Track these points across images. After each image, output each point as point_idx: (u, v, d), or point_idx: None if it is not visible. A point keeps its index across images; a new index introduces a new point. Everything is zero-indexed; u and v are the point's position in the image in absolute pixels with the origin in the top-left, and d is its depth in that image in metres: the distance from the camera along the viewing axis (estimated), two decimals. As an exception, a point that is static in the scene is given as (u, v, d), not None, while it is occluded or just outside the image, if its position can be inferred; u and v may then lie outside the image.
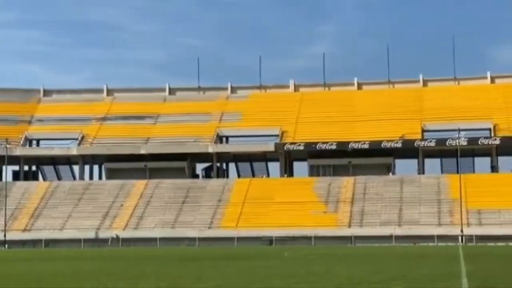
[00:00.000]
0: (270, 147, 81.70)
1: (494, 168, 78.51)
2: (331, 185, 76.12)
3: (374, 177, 76.59)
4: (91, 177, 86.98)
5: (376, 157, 79.84)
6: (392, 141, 78.03)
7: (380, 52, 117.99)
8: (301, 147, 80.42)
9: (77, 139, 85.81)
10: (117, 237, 70.13)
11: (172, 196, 76.75)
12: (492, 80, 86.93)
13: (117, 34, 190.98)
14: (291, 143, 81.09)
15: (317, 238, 66.09)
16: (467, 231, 64.75)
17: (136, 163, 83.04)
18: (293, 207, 71.56)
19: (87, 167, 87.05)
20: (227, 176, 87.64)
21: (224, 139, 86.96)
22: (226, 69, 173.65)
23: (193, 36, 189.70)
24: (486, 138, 77.42)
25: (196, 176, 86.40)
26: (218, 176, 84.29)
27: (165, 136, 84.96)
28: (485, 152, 79.70)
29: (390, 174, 78.68)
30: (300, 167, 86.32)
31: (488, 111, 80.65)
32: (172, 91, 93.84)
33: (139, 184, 79.28)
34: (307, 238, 66.32)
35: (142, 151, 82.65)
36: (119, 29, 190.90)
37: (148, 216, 73.60)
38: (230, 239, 67.34)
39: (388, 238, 65.24)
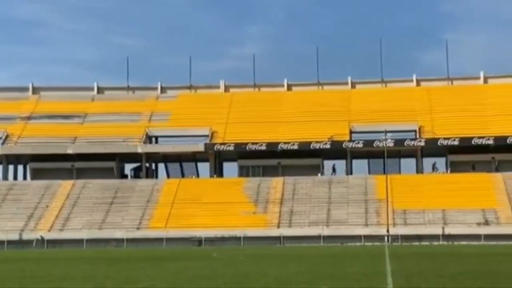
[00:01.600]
0: (200, 147, 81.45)
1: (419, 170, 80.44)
2: (261, 185, 76.43)
3: (303, 177, 77.28)
4: (15, 177, 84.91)
5: (305, 158, 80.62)
6: (320, 142, 78.92)
7: (310, 54, 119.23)
8: (231, 148, 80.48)
9: (1, 138, 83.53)
10: (42, 239, 68.56)
11: (100, 196, 75.57)
12: (418, 83, 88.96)
13: (46, 31, 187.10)
14: (221, 144, 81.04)
15: (246, 238, 66.23)
16: (393, 231, 66.02)
17: (63, 163, 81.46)
18: (222, 208, 71.51)
19: (11, 167, 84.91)
20: (156, 177, 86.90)
21: (153, 139, 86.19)
22: (156, 69, 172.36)
23: (123, 36, 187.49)
24: (411, 139, 79.15)
25: (125, 177, 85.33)
26: (147, 177, 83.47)
27: (93, 135, 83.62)
28: (410, 153, 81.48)
29: (319, 174, 79.53)
30: (230, 168, 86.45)
31: (414, 113, 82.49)
32: (100, 90, 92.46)
33: (65, 185, 77.77)
34: (236, 239, 66.38)
35: (69, 151, 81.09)
36: (48, 26, 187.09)
37: (75, 217, 72.25)
38: (159, 240, 66.76)
39: (317, 238, 65.92)
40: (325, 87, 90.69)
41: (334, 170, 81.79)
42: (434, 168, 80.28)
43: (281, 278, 20.94)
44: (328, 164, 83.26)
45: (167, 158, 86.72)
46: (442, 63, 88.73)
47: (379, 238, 64.66)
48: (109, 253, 48.01)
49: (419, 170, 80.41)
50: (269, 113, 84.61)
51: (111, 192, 76.22)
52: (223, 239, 66.50)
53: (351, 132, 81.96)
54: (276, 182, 76.75)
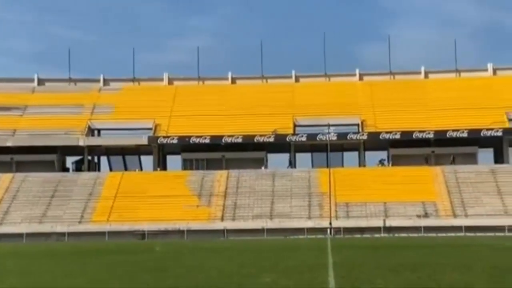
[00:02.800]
0: (143, 140, 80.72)
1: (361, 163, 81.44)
2: (204, 179, 76.22)
3: (247, 171, 77.39)
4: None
5: (249, 151, 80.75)
6: (264, 135, 79.14)
7: (254, 47, 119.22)
8: (175, 141, 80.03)
9: None
10: (-20, 233, 66.94)
11: (40, 190, 74.20)
12: (361, 77, 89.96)
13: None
14: (165, 137, 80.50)
15: (190, 231, 66.01)
16: (336, 223, 66.71)
17: (2, 156, 79.66)
18: (166, 201, 71.09)
19: None
20: (99, 170, 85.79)
21: (95, 132, 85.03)
22: (99, 61, 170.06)
23: (65, 27, 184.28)
24: (354, 133, 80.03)
25: (66, 170, 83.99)
26: (89, 170, 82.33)
27: (34, 128, 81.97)
28: (353, 147, 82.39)
29: (263, 168, 79.76)
30: (174, 161, 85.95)
31: (357, 107, 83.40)
32: (41, 82, 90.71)
33: (4, 178, 76.09)
34: (179, 232, 66.10)
35: (8, 144, 79.35)
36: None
37: (14, 211, 70.78)
38: (101, 234, 65.94)
39: (260, 231, 66.09)
40: (269, 81, 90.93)
41: (290, 163, 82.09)
42: (381, 163, 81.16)
43: (224, 271, 20.90)
44: (272, 157, 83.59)
45: (109, 151, 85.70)
46: (384, 58, 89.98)
47: (322, 230, 65.22)
48: (49, 248, 47.18)
49: (362, 163, 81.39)
50: (213, 106, 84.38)
51: (52, 186, 74.93)
52: (166, 232, 66.14)
53: (294, 126, 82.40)
54: (220, 175, 76.66)
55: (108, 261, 27.59)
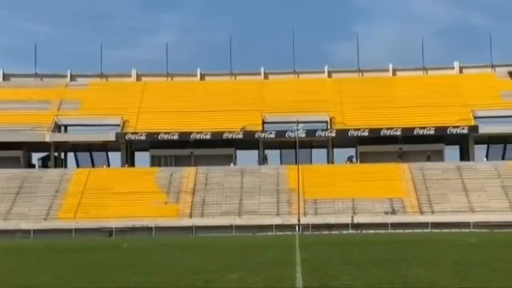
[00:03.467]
0: (110, 136, 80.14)
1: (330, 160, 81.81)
2: (173, 175, 75.95)
3: (215, 167, 77.28)
4: None
5: (218, 148, 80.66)
6: (233, 132, 79.10)
7: (223, 44, 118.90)
8: (143, 137, 79.62)
9: None
10: None
11: (6, 186, 73.25)
12: (329, 74, 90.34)
13: None
14: (133, 133, 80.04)
15: (158, 228, 65.72)
16: (304, 220, 66.94)
17: (-33, 152, 78.54)
18: (133, 198, 70.70)
19: None
20: (65, 166, 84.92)
21: (62, 128, 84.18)
22: (65, 57, 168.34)
23: (31, 21, 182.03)
24: (323, 130, 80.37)
25: (32, 166, 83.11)
26: (55, 166, 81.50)
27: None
28: (322, 144, 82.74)
29: (231, 164, 79.72)
30: (142, 157, 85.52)
31: (325, 104, 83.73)
32: (6, 77, 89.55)
33: (-31, 174, 75.03)
34: (147, 229, 65.78)
35: (-27, 140, 78.25)
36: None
37: (-21, 208, 69.82)
38: (67, 231, 65.30)
39: (229, 228, 66.07)
40: (238, 77, 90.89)
41: (265, 159, 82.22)
42: (350, 159, 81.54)
43: (191, 267, 20.85)
44: (240, 154, 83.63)
45: (76, 147, 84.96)
46: (353, 55, 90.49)
47: (290, 227, 65.39)
48: (15, 245, 46.62)
49: (330, 160, 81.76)
50: (182, 102, 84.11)
51: (17, 182, 74.04)
52: (134, 229, 65.78)
53: (263, 123, 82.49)
54: (189, 172, 76.45)
55: (74, 259, 27.34)
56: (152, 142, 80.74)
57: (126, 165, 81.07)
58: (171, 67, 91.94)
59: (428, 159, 78.20)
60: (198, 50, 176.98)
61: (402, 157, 79.23)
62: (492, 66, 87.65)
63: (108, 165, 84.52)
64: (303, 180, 71.77)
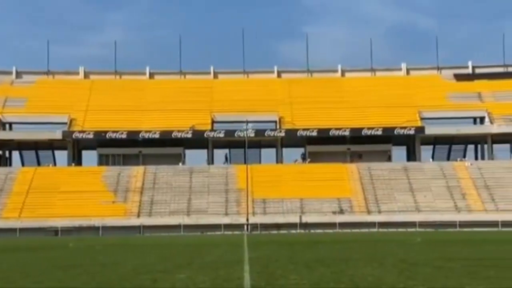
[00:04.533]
0: (57, 135, 78.97)
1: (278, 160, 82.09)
2: (121, 174, 75.25)
3: (164, 166, 76.82)
4: None
5: (166, 147, 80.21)
6: (182, 131, 78.77)
7: (172, 43, 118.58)
8: (90, 136, 78.67)
9: None
10: None
11: None
12: (279, 74, 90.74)
13: None
14: (80, 132, 79.00)
15: (105, 228, 65.03)
16: (253, 219, 67.08)
17: None
18: (80, 197, 69.79)
19: None
20: (10, 165, 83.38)
21: (7, 125, 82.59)
22: (11, 53, 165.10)
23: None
24: (272, 130, 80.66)
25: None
26: (0, 165, 79.89)
27: None
28: (271, 143, 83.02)
29: (180, 164, 79.35)
30: (89, 156, 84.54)
31: (275, 104, 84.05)
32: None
33: None
34: (94, 228, 65.04)
35: None
36: None
37: None
38: (12, 230, 64.13)
39: (177, 227, 65.79)
40: (188, 76, 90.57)
41: (226, 159, 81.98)
42: (303, 157, 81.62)
43: (138, 267, 20.64)
44: (189, 153, 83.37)
45: (22, 145, 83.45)
46: (302, 55, 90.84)
47: (239, 227, 65.46)
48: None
49: (279, 160, 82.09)
50: (131, 101, 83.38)
51: (-40, 181, 72.35)
52: (80, 229, 64.96)
53: (212, 122, 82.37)
54: (137, 171, 75.83)
55: (18, 258, 26.80)
56: (100, 141, 79.81)
57: (73, 164, 79.98)
58: (120, 65, 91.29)
59: (359, 158, 79.17)
60: (147, 49, 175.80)
61: (361, 157, 79.94)
62: (438, 68, 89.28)
63: (55, 164, 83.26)
64: (252, 179, 71.89)
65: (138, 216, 68.76)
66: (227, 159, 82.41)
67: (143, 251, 31.05)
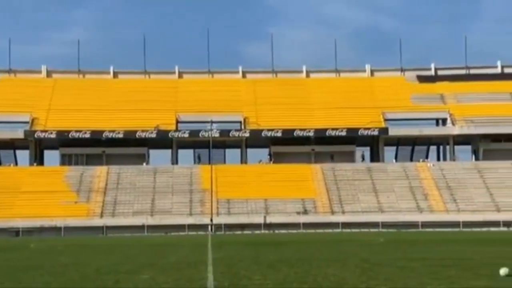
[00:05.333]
0: (19, 134, 77.90)
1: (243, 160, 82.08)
2: (84, 174, 74.53)
3: (127, 166, 76.31)
4: None
5: (130, 147, 79.67)
6: (146, 131, 78.33)
7: (137, 42, 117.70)
8: (53, 135, 77.78)
9: None
10: None
11: None
12: (244, 74, 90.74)
13: None
14: (42, 131, 78.04)
15: (67, 228, 64.31)
16: (217, 220, 66.94)
17: None
18: (42, 197, 68.92)
19: None
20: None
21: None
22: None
23: None
24: (237, 130, 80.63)
25: None
26: (-40, 164, 78.61)
27: None
28: (235, 144, 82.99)
29: (144, 164, 78.83)
30: (52, 156, 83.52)
31: (239, 104, 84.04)
32: None
33: None
34: (56, 229, 64.29)
35: None
36: None
37: None
38: (-28, 231, 63.04)
39: (141, 228, 65.37)
40: (152, 76, 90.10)
41: (199, 158, 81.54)
42: (270, 157, 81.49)
43: (101, 268, 20.47)
44: (153, 153, 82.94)
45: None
46: (267, 56, 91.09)
47: (203, 227, 65.29)
48: None
49: (244, 160, 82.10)
50: (94, 100, 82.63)
51: None
52: (42, 229, 64.16)
53: (177, 122, 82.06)
54: (100, 171, 75.20)
55: (-22, 260, 26.36)
56: (62, 141, 78.94)
57: (35, 164, 78.97)
58: (83, 65, 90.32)
59: (331, 159, 79.64)
60: (111, 48, 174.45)
61: (314, 158, 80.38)
62: (402, 70, 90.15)
63: (16, 164, 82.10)
64: (216, 180, 71.78)
65: (101, 216, 68.18)
66: (199, 159, 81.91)
67: (106, 252, 30.80)
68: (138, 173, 75.48)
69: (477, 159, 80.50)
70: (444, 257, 23.62)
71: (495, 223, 65.35)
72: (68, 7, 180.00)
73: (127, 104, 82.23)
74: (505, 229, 64.17)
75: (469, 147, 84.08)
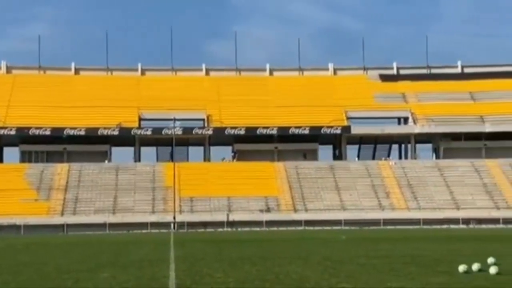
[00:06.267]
0: (-22, 131, 76.57)
1: (206, 158, 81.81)
2: (44, 172, 73.58)
3: (89, 164, 75.56)
4: None
5: (92, 144, 78.88)
6: (109, 128, 77.64)
7: (99, 38, 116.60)
8: (13, 132, 76.64)
9: None
10: None
11: None
12: (207, 72, 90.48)
13: None
14: (2, 128, 76.85)
15: (27, 227, 63.43)
16: (180, 218, 66.67)
17: None
18: (1, 195, 67.81)
19: None
20: None
21: None
22: None
23: None
24: (200, 128, 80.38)
25: None
26: None
27: None
28: (199, 141, 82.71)
29: (106, 161, 78.18)
30: (11, 153, 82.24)
31: (203, 102, 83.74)
32: None
33: None
34: (15, 227, 63.35)
35: None
36: None
37: None
38: None
39: (102, 226, 64.76)
40: (114, 73, 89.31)
41: (171, 156, 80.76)
42: (234, 155, 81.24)
43: (61, 266, 20.23)
44: (116, 151, 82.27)
45: None
46: (231, 54, 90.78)
47: (166, 225, 64.96)
48: None
49: (207, 158, 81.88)
50: (55, 97, 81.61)
51: None
52: (1, 227, 63.16)
53: (140, 119, 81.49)
54: (61, 169, 74.34)
55: None
56: (22, 137, 77.82)
57: (-6, 161, 77.73)
58: (44, 61, 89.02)
59: (304, 157, 79.94)
60: (73, 44, 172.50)
61: (277, 156, 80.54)
62: (365, 69, 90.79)
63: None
64: (179, 177, 71.49)
65: (62, 214, 67.39)
66: (171, 157, 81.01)
67: (66, 250, 30.47)
68: (100, 171, 74.79)
69: (437, 157, 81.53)
70: (404, 254, 23.86)
71: (455, 221, 66.29)
72: (29, 2, 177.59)
73: (89, 101, 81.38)
74: (464, 226, 65.13)
75: (430, 146, 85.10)
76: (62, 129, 76.98)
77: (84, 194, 70.65)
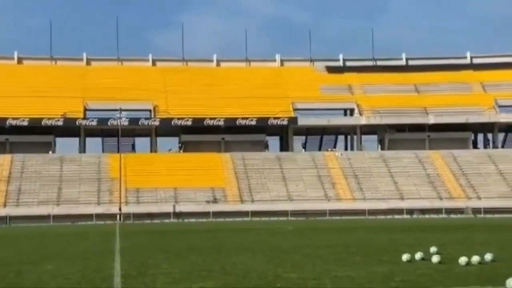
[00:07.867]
0: None
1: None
2: (-14, 163, 71.99)
3: (33, 155, 74.23)
4: None
5: (36, 135, 77.46)
6: (53, 119, 76.37)
7: (43, 27, 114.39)
8: (-47, 122, 74.64)
9: None
10: None
11: None
12: (154, 62, 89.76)
13: None
14: None
15: (-31, 219, 62.04)
16: (126, 209, 66.11)
17: None
18: None
19: None
20: None
21: None
22: None
23: None
24: (146, 119, 79.76)
25: None
26: None
27: None
28: (145, 132, 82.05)
29: (50, 152, 76.94)
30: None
31: (149, 92, 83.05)
32: None
33: None
34: (-44, 220, 61.88)
35: None
36: None
37: None
38: None
39: (46, 217, 63.73)
40: (59, 62, 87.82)
41: (133, 147, 79.66)
42: (180, 147, 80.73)
43: (3, 259, 19.89)
44: (60, 141, 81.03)
45: None
46: (178, 44, 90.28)
47: (112, 216, 64.34)
48: None
49: (153, 149, 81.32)
50: (-2, 86, 79.83)
51: None
52: None
53: (85, 110, 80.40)
54: (3, 159, 72.87)
55: None
56: (-36, 128, 75.97)
57: None
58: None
59: (266, 147, 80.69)
60: (16, 33, 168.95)
61: (224, 147, 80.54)
62: (311, 61, 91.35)
63: None
64: (125, 168, 70.86)
65: (4, 206, 66.09)
66: (134, 148, 79.24)
67: (9, 243, 29.94)
68: (44, 162, 73.57)
69: (382, 148, 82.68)
70: (349, 244, 24.15)
71: (399, 211, 67.34)
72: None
73: (32, 91, 79.82)
74: (408, 216, 66.23)
75: (375, 137, 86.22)
76: (5, 119, 75.41)
77: (28, 185, 69.42)
